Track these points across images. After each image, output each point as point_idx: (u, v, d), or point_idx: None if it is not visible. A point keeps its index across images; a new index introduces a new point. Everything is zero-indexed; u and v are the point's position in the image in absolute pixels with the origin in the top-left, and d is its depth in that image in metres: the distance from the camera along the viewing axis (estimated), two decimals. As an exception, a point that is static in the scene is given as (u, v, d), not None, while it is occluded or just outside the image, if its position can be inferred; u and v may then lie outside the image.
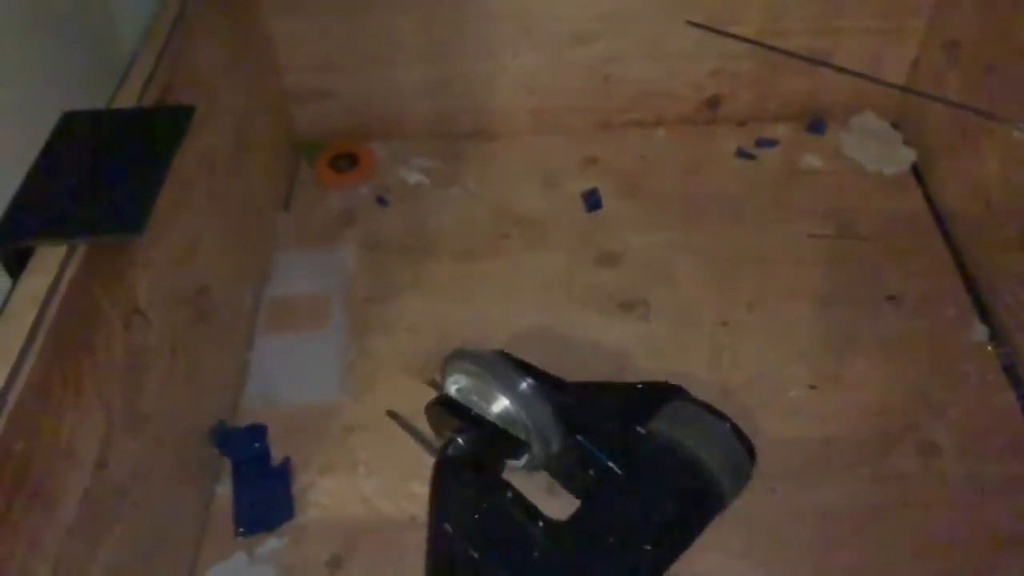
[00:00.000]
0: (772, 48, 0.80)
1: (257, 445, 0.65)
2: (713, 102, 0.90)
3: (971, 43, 0.77)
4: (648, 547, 0.54)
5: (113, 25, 0.66)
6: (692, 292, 0.76)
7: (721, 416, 0.58)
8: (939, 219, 0.81)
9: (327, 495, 0.63)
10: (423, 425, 0.63)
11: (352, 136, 0.91)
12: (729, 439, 0.58)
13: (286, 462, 0.64)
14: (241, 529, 0.61)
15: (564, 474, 0.62)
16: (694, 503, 0.56)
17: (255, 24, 0.81)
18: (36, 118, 0.54)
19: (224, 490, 0.64)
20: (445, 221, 0.84)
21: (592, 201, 0.85)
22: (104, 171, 0.50)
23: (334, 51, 0.85)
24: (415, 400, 0.64)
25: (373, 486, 0.64)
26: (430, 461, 0.61)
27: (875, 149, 0.87)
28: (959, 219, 0.78)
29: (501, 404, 0.60)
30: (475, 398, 0.61)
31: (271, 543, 0.60)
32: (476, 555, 0.53)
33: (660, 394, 0.61)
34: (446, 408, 0.61)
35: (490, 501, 0.56)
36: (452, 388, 0.62)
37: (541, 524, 0.55)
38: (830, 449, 0.64)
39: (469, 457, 0.58)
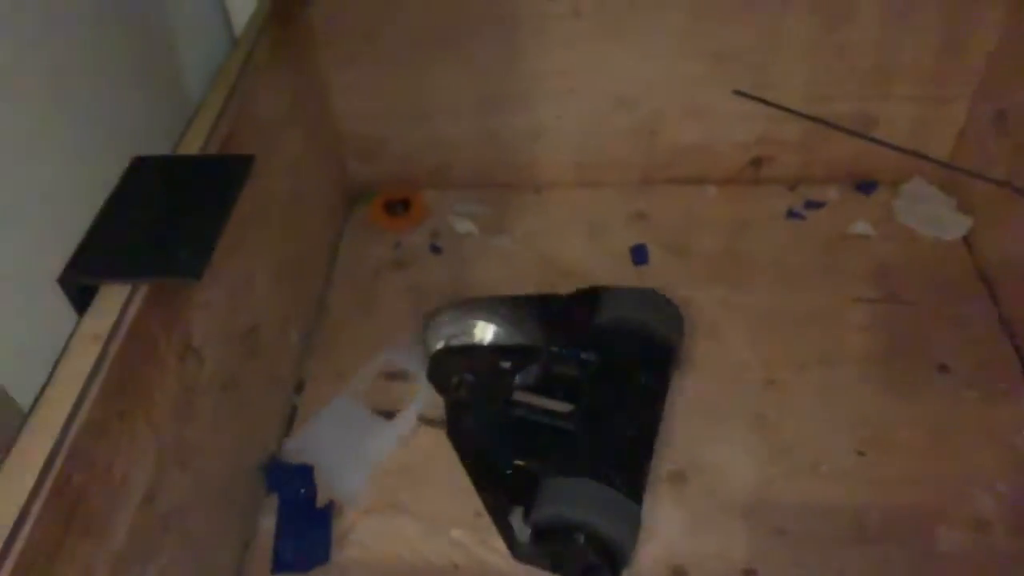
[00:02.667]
0: (817, 120, 0.80)
1: (303, 488, 0.66)
2: (757, 162, 0.91)
3: (1019, 113, 0.77)
4: (643, 400, 0.66)
5: (180, 74, 0.69)
6: (738, 350, 0.76)
7: (643, 289, 0.73)
8: (990, 287, 0.80)
9: (370, 536, 0.64)
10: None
11: (402, 183, 0.94)
12: (656, 298, 0.73)
13: (330, 506, 0.65)
14: (276, 567, 0.62)
15: (552, 383, 0.69)
16: (657, 356, 0.70)
17: (314, 75, 0.84)
18: (106, 161, 0.56)
19: (266, 524, 0.65)
20: (492, 270, 0.85)
21: (640, 256, 0.86)
22: (168, 215, 0.52)
23: (387, 102, 0.88)
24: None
25: (416, 530, 0.64)
26: (475, 507, 0.64)
27: (928, 216, 0.87)
28: (1009, 288, 0.78)
29: (489, 330, 0.68)
30: (464, 339, 0.68)
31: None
32: (523, 462, 0.63)
33: (593, 294, 0.74)
34: (443, 357, 0.68)
35: (512, 415, 0.66)
36: (438, 345, 0.69)
37: (560, 421, 0.65)
38: (876, 517, 0.63)
39: (480, 385, 0.67)
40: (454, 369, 0.68)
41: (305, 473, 0.67)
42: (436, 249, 0.88)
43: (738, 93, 0.81)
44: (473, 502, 0.65)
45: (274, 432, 0.70)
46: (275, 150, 0.72)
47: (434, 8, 0.81)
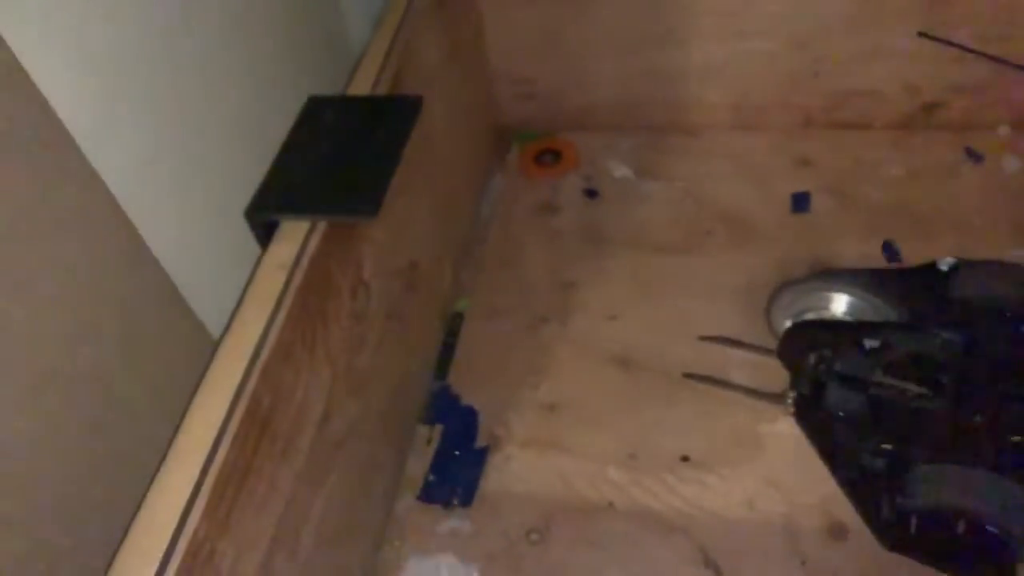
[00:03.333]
0: (1003, 61, 0.73)
1: (466, 425, 0.68)
2: (930, 108, 0.85)
3: None
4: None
5: (343, 21, 0.71)
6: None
7: (1007, 263, 0.66)
8: None
9: (526, 468, 0.66)
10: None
11: (553, 124, 0.94)
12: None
13: (485, 449, 0.67)
14: (423, 496, 0.65)
15: (908, 364, 0.63)
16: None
17: (470, 15, 0.85)
18: (284, 99, 0.59)
19: (418, 455, 0.68)
20: (650, 214, 0.84)
21: (801, 203, 0.83)
22: (344, 155, 0.54)
23: (542, 41, 0.87)
24: (611, 384, 0.70)
25: (573, 467, 0.66)
26: (628, 448, 0.65)
27: None
28: None
29: (843, 301, 0.66)
30: (815, 314, 0.66)
31: (459, 518, 0.64)
32: (890, 445, 0.59)
33: (944, 267, 0.66)
34: (798, 333, 0.66)
35: (875, 394, 0.61)
36: (788, 320, 0.67)
37: (926, 402, 0.60)
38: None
39: (843, 366, 0.62)
40: (812, 344, 0.64)
41: (470, 412, 0.69)
42: (591, 193, 0.88)
43: (923, 35, 0.75)
44: (628, 443, 0.66)
45: (430, 364, 0.73)
46: (436, 91, 0.73)
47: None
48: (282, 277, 0.49)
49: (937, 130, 0.86)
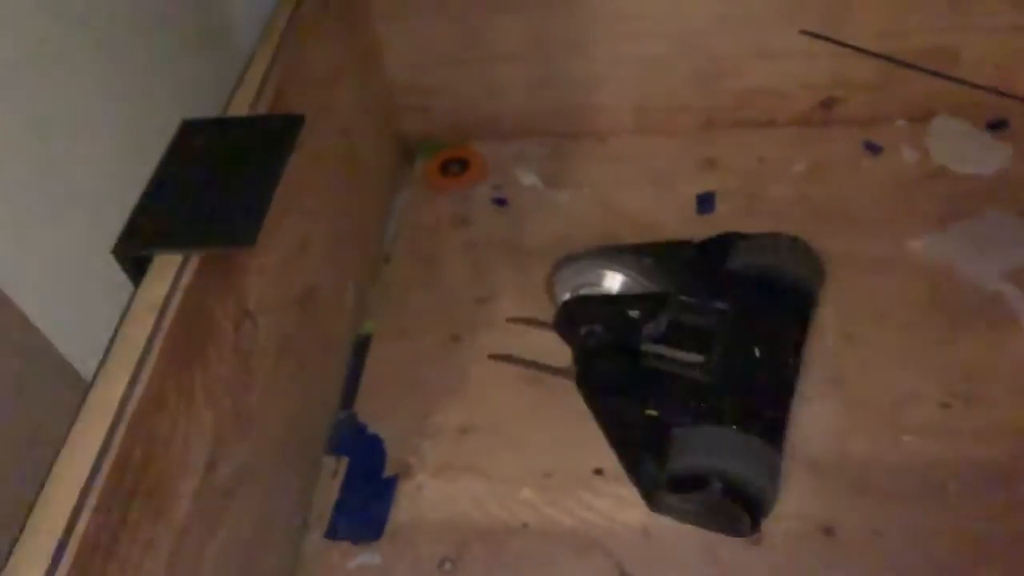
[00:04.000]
0: (889, 59, 0.74)
1: (372, 456, 0.66)
2: (828, 104, 0.86)
3: None
4: (779, 348, 0.65)
5: (230, 35, 0.68)
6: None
7: (780, 234, 0.71)
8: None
9: (439, 496, 0.64)
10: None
11: (459, 135, 0.92)
12: (793, 245, 0.70)
13: (394, 480, 0.64)
14: (330, 533, 0.62)
15: (680, 333, 0.67)
16: (794, 306, 0.68)
17: (364, 27, 0.82)
18: (159, 124, 0.56)
19: (329, 488, 0.65)
20: (558, 223, 0.83)
21: (706, 205, 0.82)
22: (219, 180, 0.51)
23: (440, 51, 0.85)
24: (524, 402, 0.68)
25: (485, 490, 0.64)
26: (542, 466, 0.64)
27: (963, 152, 0.82)
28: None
29: (617, 279, 0.67)
30: (590, 289, 0.68)
31: (369, 553, 0.61)
32: (655, 412, 0.62)
33: (726, 239, 0.72)
34: (571, 308, 0.68)
35: (642, 363, 0.65)
36: (565, 296, 0.69)
37: (691, 369, 0.64)
38: (959, 472, 0.61)
39: (610, 335, 0.66)
40: (583, 319, 0.67)
41: (375, 441, 0.66)
42: (500, 202, 0.86)
43: (805, 33, 0.75)
44: (542, 461, 0.64)
45: (334, 394, 0.70)
46: (326, 106, 0.70)
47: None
48: (151, 318, 0.45)
49: (837, 125, 0.87)
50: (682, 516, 0.60)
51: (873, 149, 0.84)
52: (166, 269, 0.48)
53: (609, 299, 0.67)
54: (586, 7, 0.80)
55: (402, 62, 0.87)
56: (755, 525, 0.58)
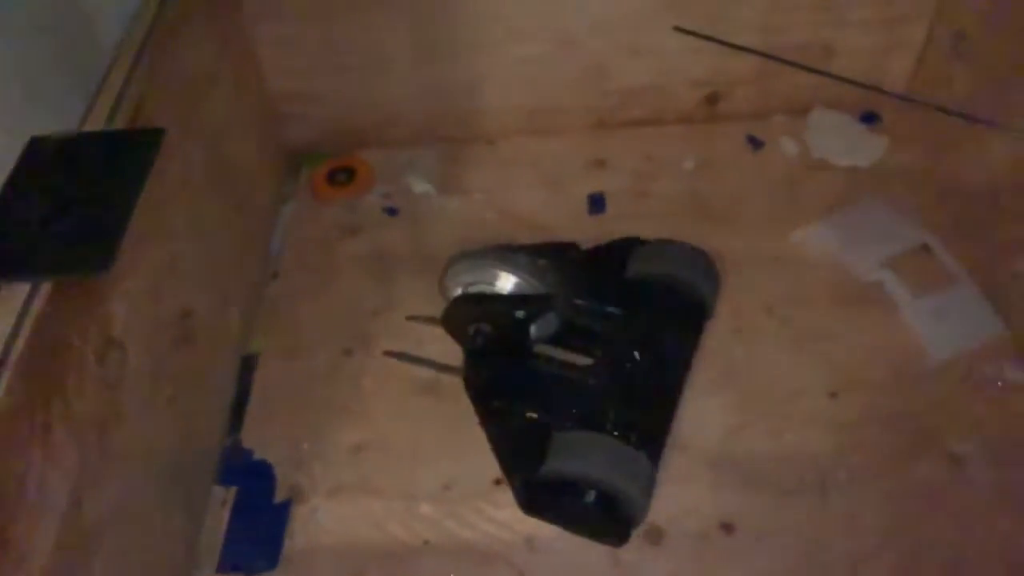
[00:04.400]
0: (762, 54, 0.76)
1: (260, 483, 0.63)
2: (713, 99, 0.87)
3: (978, 33, 0.73)
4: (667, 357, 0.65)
5: (91, 26, 0.63)
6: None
7: (674, 241, 0.70)
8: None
9: (334, 519, 0.61)
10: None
11: (346, 143, 0.89)
12: (692, 255, 0.69)
13: (286, 506, 0.62)
14: (222, 567, 0.59)
15: (573, 336, 0.67)
16: (687, 313, 0.68)
17: (238, 31, 0.79)
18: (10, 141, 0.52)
19: (217, 519, 0.62)
20: (452, 229, 0.81)
21: (597, 204, 0.82)
22: (71, 203, 0.48)
23: (320, 57, 0.83)
24: (420, 413, 0.67)
25: (383, 508, 0.62)
26: (441, 479, 0.63)
27: (841, 145, 0.84)
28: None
29: (509, 280, 0.65)
30: (483, 287, 0.65)
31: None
32: (536, 414, 0.61)
33: (626, 244, 0.72)
34: (461, 305, 0.66)
35: (527, 366, 0.65)
36: (457, 291, 0.67)
37: (577, 373, 0.64)
38: (852, 458, 0.62)
39: (497, 336, 0.65)
40: (471, 318, 0.66)
41: (263, 467, 0.64)
42: (391, 211, 0.84)
43: (679, 30, 0.76)
44: (440, 474, 0.63)
45: (221, 420, 0.67)
46: (196, 116, 0.67)
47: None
48: (-3, 351, 0.42)
49: (721, 121, 0.89)
50: (555, 520, 0.59)
51: (755, 144, 0.86)
52: (13, 299, 0.44)
53: (499, 298, 0.66)
54: (464, 10, 0.79)
55: (281, 69, 0.84)
56: (623, 537, 0.57)
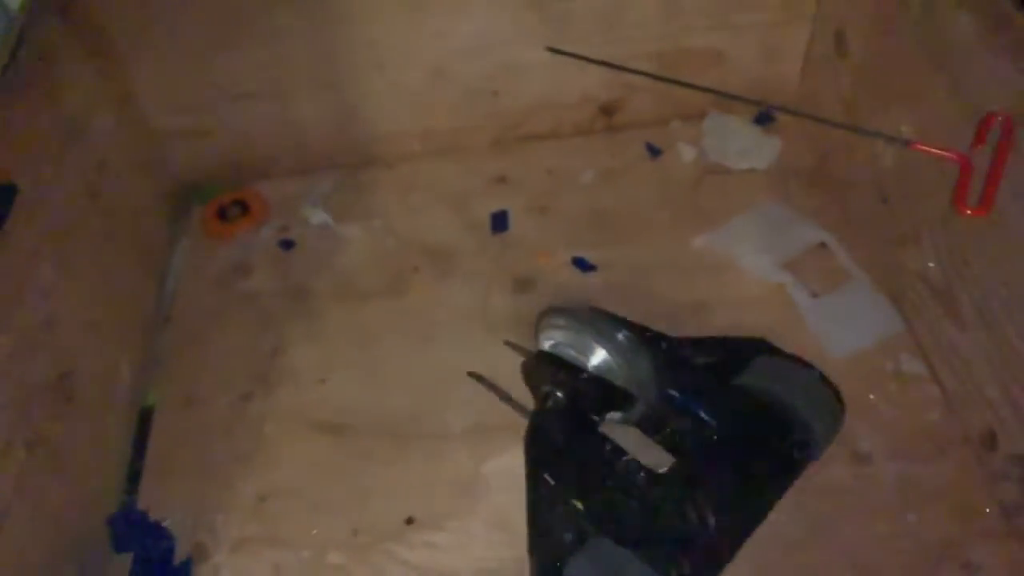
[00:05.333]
0: (626, 69, 0.76)
1: (157, 545, 0.60)
2: (609, 110, 0.87)
3: (856, 32, 0.75)
4: (744, 496, 0.55)
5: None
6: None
7: (809, 366, 0.60)
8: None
9: (240, 574, 0.59)
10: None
11: (238, 176, 0.86)
12: (819, 387, 0.59)
13: (186, 566, 0.59)
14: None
15: (656, 429, 0.61)
16: (787, 454, 0.57)
17: (114, 69, 0.75)
18: None
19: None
20: (353, 259, 0.79)
21: (499, 223, 0.81)
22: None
23: (205, 91, 0.80)
24: (325, 456, 0.64)
25: (289, 560, 0.59)
26: (349, 524, 0.60)
27: (736, 148, 0.85)
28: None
29: (599, 356, 0.59)
30: (572, 352, 0.60)
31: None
32: (580, 505, 0.53)
33: (751, 348, 0.62)
34: (544, 362, 0.61)
35: (591, 451, 0.56)
36: (546, 344, 0.62)
37: (642, 474, 0.55)
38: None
39: (569, 409, 0.59)
40: (547, 379, 0.60)
41: (158, 529, 0.61)
42: (287, 244, 0.81)
43: (551, 50, 0.75)
44: (349, 519, 0.61)
45: (113, 482, 0.64)
46: (71, 160, 0.64)
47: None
48: None
49: (619, 131, 0.89)
50: None
51: (654, 152, 0.86)
52: None
53: (586, 375, 0.59)
54: (346, 39, 0.77)
55: (165, 105, 0.80)
56: None
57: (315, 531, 0.61)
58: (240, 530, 0.61)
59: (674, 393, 0.59)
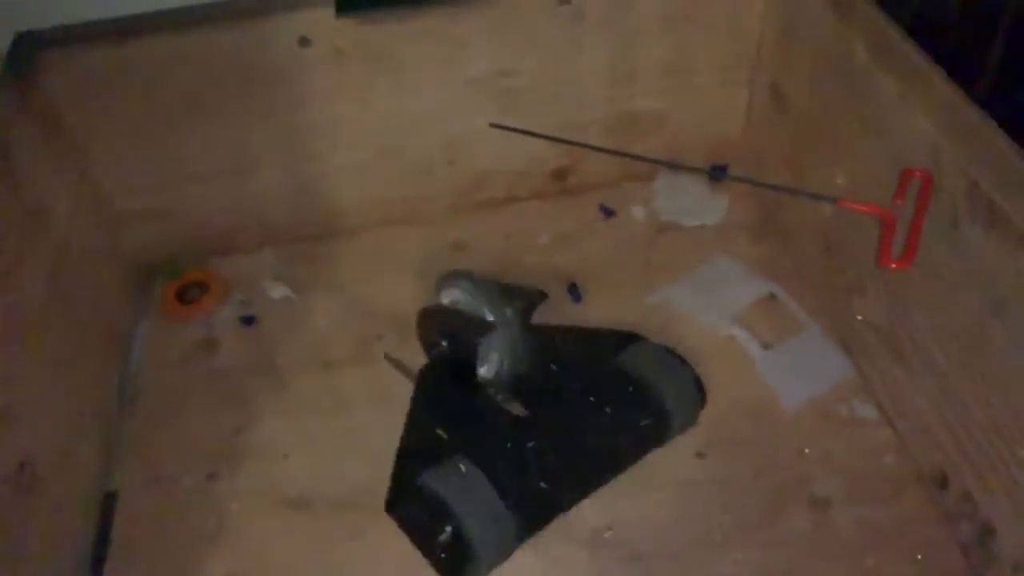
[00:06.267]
0: (568, 142, 0.78)
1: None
2: (561, 174, 0.90)
3: (789, 86, 0.78)
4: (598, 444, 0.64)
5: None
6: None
7: (682, 360, 0.68)
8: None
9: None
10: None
11: (199, 254, 0.87)
12: (686, 379, 0.67)
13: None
14: None
15: (528, 395, 0.68)
16: (647, 425, 0.65)
17: (72, 154, 0.76)
18: None
19: None
20: (316, 331, 0.80)
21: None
22: None
23: (163, 171, 0.81)
24: (291, 533, 0.65)
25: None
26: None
27: (687, 207, 0.88)
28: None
29: (452, 295, 0.71)
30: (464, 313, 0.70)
31: None
32: (444, 433, 0.63)
33: (627, 338, 0.71)
34: (436, 315, 0.71)
35: (465, 394, 0.68)
36: (445, 300, 0.71)
37: (505, 419, 0.66)
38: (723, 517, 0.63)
39: (450, 359, 0.69)
40: (436, 331, 0.71)
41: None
42: (248, 320, 0.82)
43: (494, 126, 0.78)
44: None
45: (77, 570, 0.63)
46: (29, 248, 0.64)
47: (186, 74, 0.74)
48: None
49: (572, 194, 0.91)
50: (408, 532, 0.61)
51: (607, 213, 0.89)
52: None
53: (461, 316, 0.70)
54: (299, 115, 0.79)
55: (124, 187, 0.81)
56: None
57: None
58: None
59: (554, 367, 0.69)
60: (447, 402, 0.67)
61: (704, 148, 0.89)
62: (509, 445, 0.63)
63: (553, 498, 0.62)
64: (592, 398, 0.66)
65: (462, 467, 0.59)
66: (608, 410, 0.65)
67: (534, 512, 0.61)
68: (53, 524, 0.61)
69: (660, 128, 0.87)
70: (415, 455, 0.63)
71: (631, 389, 0.66)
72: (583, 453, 0.64)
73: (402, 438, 0.65)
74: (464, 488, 0.58)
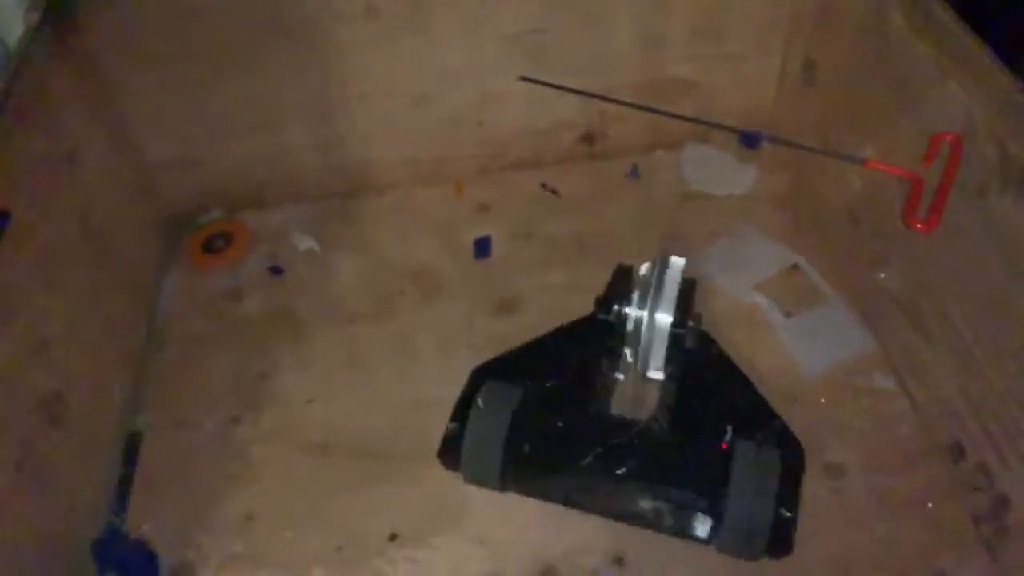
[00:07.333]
0: (597, 96, 0.78)
1: (142, 564, 0.61)
2: (589, 138, 0.90)
3: (825, 62, 0.78)
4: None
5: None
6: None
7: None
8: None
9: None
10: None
11: (230, 205, 0.88)
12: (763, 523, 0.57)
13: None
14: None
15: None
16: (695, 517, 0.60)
17: (106, 102, 0.77)
18: None
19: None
20: (341, 284, 0.81)
21: (482, 249, 0.83)
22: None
23: (197, 123, 0.82)
24: (311, 476, 0.66)
25: (274, 579, 0.60)
26: (334, 540, 0.62)
27: (716, 176, 0.88)
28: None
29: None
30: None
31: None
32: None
33: (768, 419, 0.64)
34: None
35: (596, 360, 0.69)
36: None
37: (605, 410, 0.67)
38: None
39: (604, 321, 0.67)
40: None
41: (140, 547, 0.61)
42: (276, 271, 0.83)
43: (524, 79, 0.78)
44: (333, 536, 0.62)
45: (101, 503, 0.64)
46: (63, 190, 0.66)
47: (221, 24, 0.75)
48: None
49: (600, 159, 0.91)
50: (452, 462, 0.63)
51: (634, 178, 0.89)
52: None
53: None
54: (331, 69, 0.80)
55: (157, 137, 0.83)
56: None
57: (301, 549, 0.62)
58: (226, 549, 0.62)
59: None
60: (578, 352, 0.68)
61: (734, 117, 0.88)
62: (581, 423, 0.63)
63: (559, 485, 0.62)
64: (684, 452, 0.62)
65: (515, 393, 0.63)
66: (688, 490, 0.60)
67: (533, 475, 0.61)
68: (80, 456, 0.63)
69: (690, 95, 0.87)
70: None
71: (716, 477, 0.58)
72: (623, 488, 0.60)
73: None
74: (496, 405, 0.62)
